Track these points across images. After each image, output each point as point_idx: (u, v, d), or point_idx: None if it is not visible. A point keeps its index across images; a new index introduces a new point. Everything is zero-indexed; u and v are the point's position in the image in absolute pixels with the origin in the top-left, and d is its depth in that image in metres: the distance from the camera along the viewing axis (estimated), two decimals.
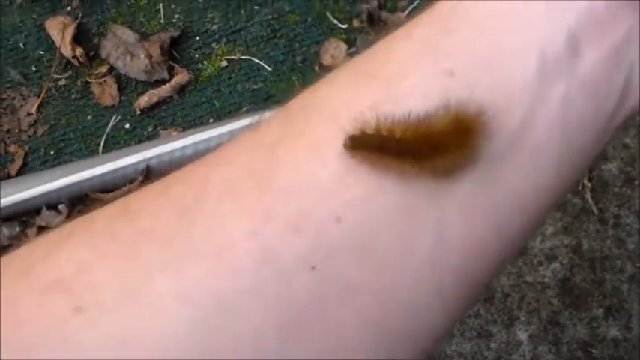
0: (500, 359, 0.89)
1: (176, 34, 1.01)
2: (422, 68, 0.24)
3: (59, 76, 1.02)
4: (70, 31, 1.01)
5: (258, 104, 1.00)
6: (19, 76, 1.02)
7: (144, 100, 1.00)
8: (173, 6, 1.04)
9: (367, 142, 0.23)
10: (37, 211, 0.95)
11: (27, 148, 1.00)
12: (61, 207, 0.95)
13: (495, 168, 0.24)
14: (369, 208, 0.23)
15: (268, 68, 1.01)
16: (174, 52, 1.02)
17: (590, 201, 0.93)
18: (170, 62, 1.01)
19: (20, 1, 1.05)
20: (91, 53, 1.02)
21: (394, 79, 0.24)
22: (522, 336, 0.90)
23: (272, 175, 0.23)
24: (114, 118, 1.00)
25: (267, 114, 0.26)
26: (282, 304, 0.22)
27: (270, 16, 1.02)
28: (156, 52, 0.99)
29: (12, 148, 1.00)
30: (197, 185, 0.24)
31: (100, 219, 0.24)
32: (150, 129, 1.00)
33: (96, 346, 0.21)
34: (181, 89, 1.00)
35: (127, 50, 1.01)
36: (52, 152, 1.00)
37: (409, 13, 1.01)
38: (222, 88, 1.01)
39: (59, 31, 1.01)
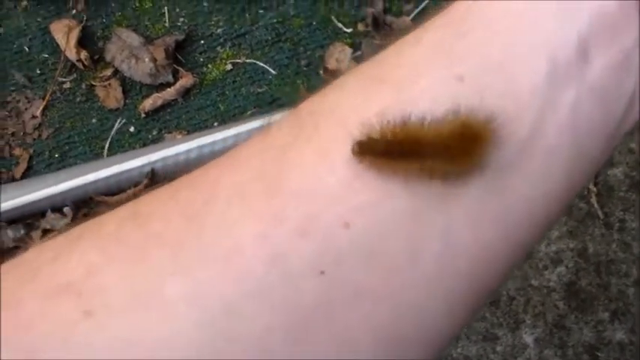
0: None
1: (181, 37, 1.02)
2: (433, 73, 0.24)
3: (64, 79, 1.02)
4: (75, 34, 1.01)
5: (263, 108, 1.00)
6: (23, 79, 1.02)
7: (148, 104, 1.00)
8: (178, 9, 1.04)
9: (374, 147, 0.23)
10: (42, 214, 0.95)
11: (32, 151, 1.00)
12: (65, 210, 0.95)
13: (504, 175, 0.24)
14: (377, 213, 0.23)
15: (273, 72, 1.01)
16: (179, 55, 1.02)
17: (596, 205, 0.93)
18: (175, 66, 1.01)
19: (25, 4, 1.05)
20: (96, 56, 1.02)
21: (404, 83, 0.24)
22: (528, 339, 0.89)
23: (282, 178, 0.23)
24: (118, 121, 1.00)
25: (276, 117, 0.25)
26: (289, 307, 0.22)
27: (274, 20, 1.02)
28: (160, 55, 0.99)
29: (17, 151, 1.00)
30: (206, 189, 0.24)
31: (109, 222, 0.24)
32: (154, 132, 1.00)
33: (105, 349, 0.21)
34: (186, 92, 1.00)
35: (131, 53, 1.01)
36: (56, 155, 1.00)
37: (414, 17, 1.01)
38: (227, 92, 1.01)
39: (64, 34, 1.01)
